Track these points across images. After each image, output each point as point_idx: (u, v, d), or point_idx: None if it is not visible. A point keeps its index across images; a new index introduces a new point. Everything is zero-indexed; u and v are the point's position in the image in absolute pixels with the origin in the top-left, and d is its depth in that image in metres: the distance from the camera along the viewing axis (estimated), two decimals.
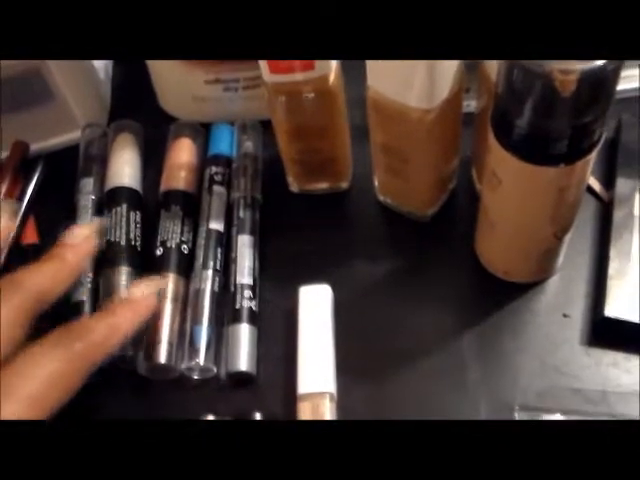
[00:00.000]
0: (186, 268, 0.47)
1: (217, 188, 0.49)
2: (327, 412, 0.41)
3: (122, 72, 0.58)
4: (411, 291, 0.46)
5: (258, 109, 0.50)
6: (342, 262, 0.48)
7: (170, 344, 0.44)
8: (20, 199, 0.51)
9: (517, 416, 0.41)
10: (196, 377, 0.44)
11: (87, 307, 0.46)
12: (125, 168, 0.50)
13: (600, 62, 0.31)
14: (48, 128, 0.53)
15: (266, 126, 0.50)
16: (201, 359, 0.44)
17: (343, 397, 0.43)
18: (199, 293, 0.46)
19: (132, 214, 0.48)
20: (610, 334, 0.43)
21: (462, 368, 0.44)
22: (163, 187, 0.50)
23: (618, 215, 0.46)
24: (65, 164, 0.53)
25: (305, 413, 0.41)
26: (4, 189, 0.51)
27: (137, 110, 0.56)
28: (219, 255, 0.47)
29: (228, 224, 0.49)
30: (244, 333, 0.44)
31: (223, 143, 0.52)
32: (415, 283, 0.47)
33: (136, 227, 0.48)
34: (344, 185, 0.50)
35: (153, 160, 0.52)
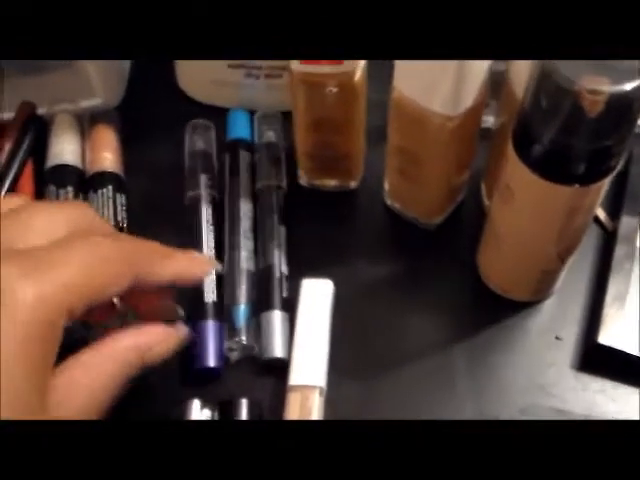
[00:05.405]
0: None
1: (243, 173, 0.50)
2: (315, 406, 0.41)
3: None
4: (410, 296, 0.46)
5: (276, 99, 0.51)
6: (344, 259, 0.48)
7: None
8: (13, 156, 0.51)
9: None
10: (235, 357, 0.44)
11: None
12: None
13: (629, 85, 0.32)
14: (63, 94, 0.53)
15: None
16: (243, 337, 0.44)
17: (332, 392, 0.43)
18: (235, 273, 0.46)
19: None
20: (601, 361, 0.44)
21: (451, 376, 0.44)
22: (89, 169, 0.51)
23: (621, 245, 0.46)
24: None
25: (293, 404, 0.41)
26: (7, 148, 0.51)
27: (154, 87, 0.56)
28: (251, 238, 0.48)
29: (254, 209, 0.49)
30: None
31: (242, 129, 0.52)
32: (414, 288, 0.47)
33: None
34: (353, 184, 0.51)
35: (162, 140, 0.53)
